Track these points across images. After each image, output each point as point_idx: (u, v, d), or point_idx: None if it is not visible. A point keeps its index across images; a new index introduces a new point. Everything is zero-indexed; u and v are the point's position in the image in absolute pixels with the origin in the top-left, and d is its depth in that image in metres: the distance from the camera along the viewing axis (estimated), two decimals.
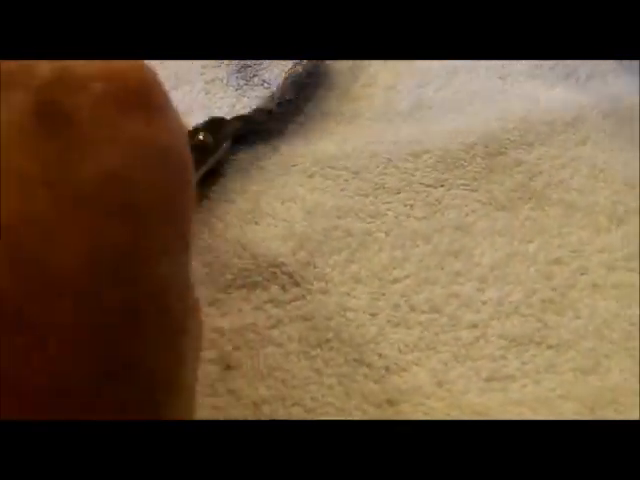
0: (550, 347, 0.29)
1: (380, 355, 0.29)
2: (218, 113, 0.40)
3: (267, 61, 0.43)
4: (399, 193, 0.35)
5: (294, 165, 0.35)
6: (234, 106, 0.41)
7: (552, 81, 0.43)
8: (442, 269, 0.32)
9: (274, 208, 0.33)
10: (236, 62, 0.43)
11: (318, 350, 0.29)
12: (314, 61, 0.42)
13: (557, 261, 0.32)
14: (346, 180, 0.35)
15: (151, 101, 0.21)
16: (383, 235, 0.33)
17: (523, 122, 0.39)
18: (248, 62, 0.43)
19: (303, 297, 0.30)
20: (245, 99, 0.41)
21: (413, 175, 0.35)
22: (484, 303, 0.31)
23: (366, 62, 0.43)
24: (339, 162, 0.36)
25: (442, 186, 0.35)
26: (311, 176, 0.35)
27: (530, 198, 0.35)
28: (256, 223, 0.32)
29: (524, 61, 0.44)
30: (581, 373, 0.29)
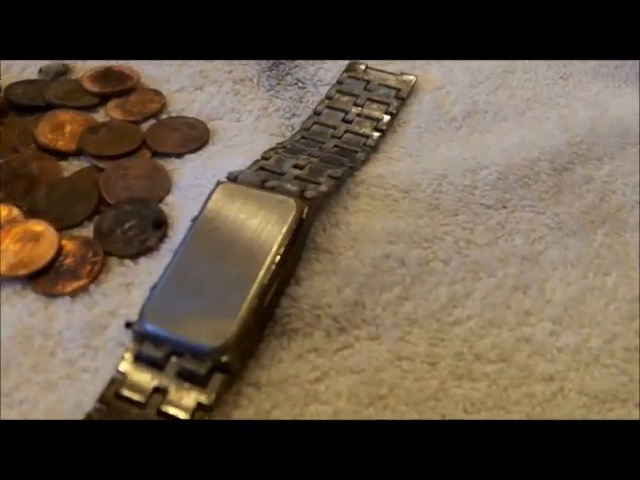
0: (637, 405, 0.25)
1: (443, 415, 0.25)
2: (248, 117, 0.36)
3: None
4: (456, 215, 0.31)
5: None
6: (266, 109, 0.36)
7: (619, 81, 0.39)
8: (509, 308, 0.28)
9: (314, 235, 0.29)
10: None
11: (371, 409, 0.25)
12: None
13: None
14: (395, 200, 0.31)
15: None
16: (441, 265, 0.29)
17: (590, 134, 0.34)
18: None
19: (351, 345, 0.26)
20: (278, 101, 0.37)
21: (471, 194, 0.31)
22: (559, 350, 0.27)
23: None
24: (386, 180, 0.32)
25: (504, 207, 0.31)
26: (355, 197, 0.31)
27: (603, 222, 0.31)
28: None
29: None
30: None
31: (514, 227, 0.31)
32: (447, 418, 0.25)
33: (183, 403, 0.24)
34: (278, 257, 0.26)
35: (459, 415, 0.25)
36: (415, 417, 0.24)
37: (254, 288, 0.25)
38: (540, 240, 0.30)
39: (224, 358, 0.24)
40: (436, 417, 0.25)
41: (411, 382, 0.25)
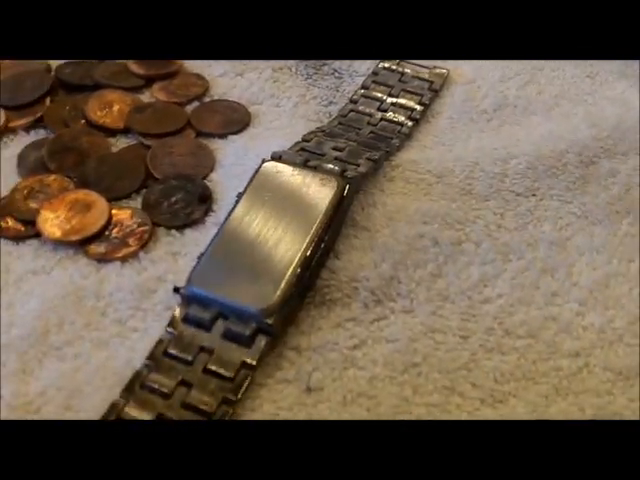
0: None
1: (474, 384, 0.26)
2: (287, 103, 0.37)
3: None
4: (488, 200, 0.32)
5: None
6: (304, 96, 0.38)
7: None
8: (537, 288, 0.29)
9: (352, 213, 0.30)
10: None
11: (405, 376, 0.26)
12: None
13: None
14: (429, 184, 0.32)
15: None
16: (473, 246, 0.30)
17: (616, 130, 0.35)
18: None
19: (386, 317, 0.27)
20: (315, 89, 0.38)
21: (502, 182, 0.33)
22: (585, 329, 0.28)
23: None
24: (420, 166, 0.33)
25: (534, 195, 0.32)
26: (391, 180, 0.32)
27: (628, 212, 0.32)
28: None
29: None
30: None
31: (542, 214, 0.32)
32: (478, 387, 0.26)
33: (228, 362, 0.25)
34: (320, 231, 0.27)
35: (489, 385, 0.26)
36: (448, 384, 0.26)
37: (297, 258, 0.27)
38: (567, 227, 0.31)
39: (269, 320, 0.25)
40: (467, 386, 0.26)
41: (444, 353, 0.27)
